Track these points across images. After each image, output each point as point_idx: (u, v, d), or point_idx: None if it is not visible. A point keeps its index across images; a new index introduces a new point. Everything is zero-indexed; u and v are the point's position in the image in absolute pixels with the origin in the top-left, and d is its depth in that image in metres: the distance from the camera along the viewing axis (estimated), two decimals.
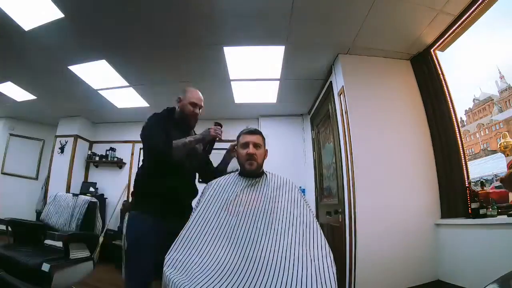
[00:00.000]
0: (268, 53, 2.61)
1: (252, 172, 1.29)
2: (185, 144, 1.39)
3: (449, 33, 2.19)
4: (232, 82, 3.19)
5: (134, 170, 4.51)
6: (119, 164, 4.54)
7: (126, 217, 1.44)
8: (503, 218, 1.69)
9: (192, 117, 1.55)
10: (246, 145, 1.30)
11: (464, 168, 2.11)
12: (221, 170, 1.60)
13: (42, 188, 4.61)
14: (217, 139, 1.46)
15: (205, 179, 1.53)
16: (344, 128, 2.43)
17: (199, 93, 1.58)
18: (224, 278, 0.91)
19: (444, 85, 2.31)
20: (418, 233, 2.16)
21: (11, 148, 4.78)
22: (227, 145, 1.56)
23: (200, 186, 1.45)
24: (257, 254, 0.99)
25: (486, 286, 0.61)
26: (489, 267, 1.64)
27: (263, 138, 1.36)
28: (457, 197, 2.08)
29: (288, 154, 3.94)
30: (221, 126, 1.50)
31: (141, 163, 4.54)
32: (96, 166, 4.67)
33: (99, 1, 2.03)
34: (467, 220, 1.94)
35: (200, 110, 1.58)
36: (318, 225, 1.13)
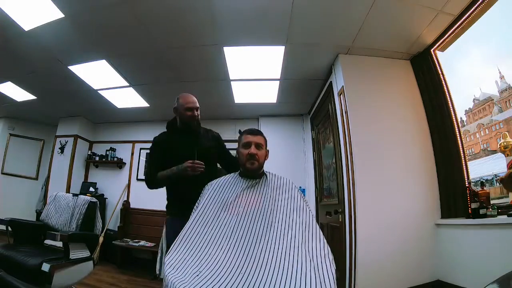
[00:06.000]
0: (268, 53, 2.61)
1: (253, 171, 1.29)
2: (167, 176, 1.50)
3: (449, 33, 2.19)
4: (232, 82, 3.19)
5: (134, 170, 4.52)
6: (119, 164, 4.54)
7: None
8: (503, 218, 1.69)
9: (192, 121, 1.59)
10: (248, 145, 1.30)
11: (464, 168, 2.11)
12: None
13: (42, 188, 4.62)
14: (192, 174, 1.43)
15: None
16: (344, 128, 2.43)
17: (191, 96, 1.61)
18: (224, 278, 0.91)
19: (444, 85, 2.31)
20: (418, 233, 2.16)
21: (11, 148, 4.77)
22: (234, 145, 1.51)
23: None
24: (257, 254, 0.99)
25: (486, 286, 0.61)
26: (489, 267, 1.64)
27: (265, 139, 1.37)
28: (457, 197, 2.08)
29: (288, 154, 3.94)
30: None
31: (141, 163, 4.57)
32: (96, 166, 4.67)
33: (99, 2, 2.03)
34: (467, 220, 1.94)
35: (198, 111, 1.60)
36: (318, 226, 1.13)
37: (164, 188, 1.62)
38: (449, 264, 2.03)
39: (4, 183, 4.57)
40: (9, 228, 2.10)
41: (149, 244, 3.68)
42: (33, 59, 2.80)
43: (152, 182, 1.55)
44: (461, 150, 2.14)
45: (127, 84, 3.31)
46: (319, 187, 3.47)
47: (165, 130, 1.70)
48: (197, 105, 1.61)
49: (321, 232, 1.09)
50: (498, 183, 2.08)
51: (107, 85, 3.37)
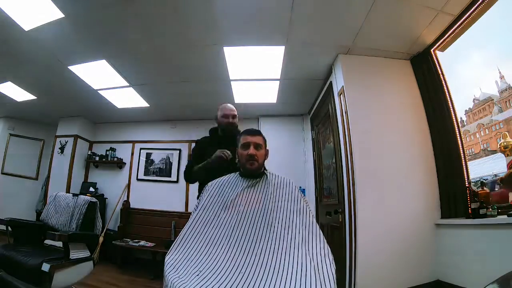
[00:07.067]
0: (268, 53, 2.61)
1: (253, 172, 1.29)
2: (200, 168, 1.65)
3: (449, 33, 2.19)
4: (232, 82, 3.19)
5: (134, 170, 4.52)
6: (119, 164, 4.54)
7: None
8: (503, 218, 1.69)
9: (229, 126, 1.75)
10: (247, 145, 1.30)
11: (464, 168, 2.11)
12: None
13: (42, 188, 4.62)
14: (224, 159, 1.56)
15: None
16: (344, 128, 2.43)
17: (229, 105, 1.81)
18: (224, 278, 0.91)
19: (444, 85, 2.31)
20: (418, 233, 2.16)
21: (11, 148, 4.77)
22: None
23: None
24: (257, 254, 0.99)
25: (486, 286, 0.61)
26: (489, 267, 1.65)
27: (264, 139, 1.36)
28: (457, 197, 2.08)
29: (288, 154, 3.93)
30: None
31: (141, 163, 4.58)
32: (96, 166, 4.67)
33: (99, 1, 2.03)
34: (467, 220, 1.94)
35: (235, 119, 1.78)
36: (318, 226, 1.13)
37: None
38: (449, 264, 2.03)
39: (4, 183, 4.57)
40: (9, 228, 2.11)
41: (149, 244, 3.68)
42: (33, 59, 2.80)
43: (189, 174, 1.72)
44: (461, 150, 2.14)
45: (127, 84, 3.31)
46: (319, 187, 3.47)
47: (207, 135, 1.88)
48: (234, 113, 1.78)
49: (321, 232, 1.09)
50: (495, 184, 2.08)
51: (107, 85, 3.37)
